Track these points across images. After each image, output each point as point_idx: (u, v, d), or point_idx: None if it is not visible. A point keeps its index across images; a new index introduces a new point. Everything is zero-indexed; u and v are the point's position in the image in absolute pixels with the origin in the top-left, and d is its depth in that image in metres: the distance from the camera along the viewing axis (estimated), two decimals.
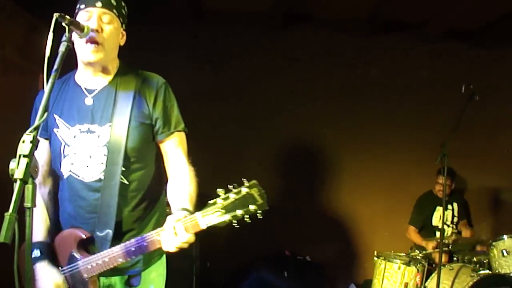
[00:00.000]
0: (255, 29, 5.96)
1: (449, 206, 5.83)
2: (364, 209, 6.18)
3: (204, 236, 5.07)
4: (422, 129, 6.19)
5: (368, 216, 6.19)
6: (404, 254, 5.09)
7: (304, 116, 6.08)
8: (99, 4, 2.29)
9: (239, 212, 1.98)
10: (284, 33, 6.09)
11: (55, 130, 2.42)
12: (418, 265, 4.87)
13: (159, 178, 2.55)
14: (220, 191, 2.01)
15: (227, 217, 1.98)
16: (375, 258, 5.05)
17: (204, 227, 2.03)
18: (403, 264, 4.85)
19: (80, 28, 2.13)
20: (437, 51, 6.42)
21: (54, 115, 2.42)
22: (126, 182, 2.39)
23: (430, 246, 5.35)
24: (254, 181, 2.02)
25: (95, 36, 2.26)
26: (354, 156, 6.19)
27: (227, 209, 1.98)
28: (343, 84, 6.22)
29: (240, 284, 5.39)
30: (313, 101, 6.12)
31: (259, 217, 2.00)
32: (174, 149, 2.50)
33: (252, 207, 1.97)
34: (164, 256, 2.63)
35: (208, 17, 5.84)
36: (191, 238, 2.07)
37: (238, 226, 1.98)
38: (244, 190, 1.99)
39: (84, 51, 2.29)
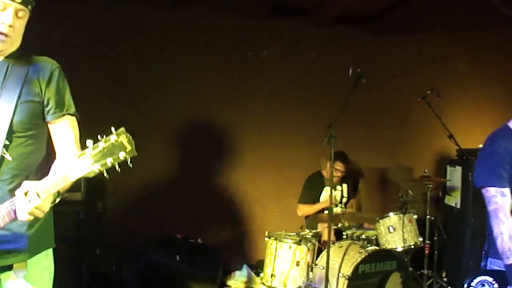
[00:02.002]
0: (146, 8, 5.77)
1: (338, 187, 5.99)
2: (255, 190, 6.20)
3: (93, 221, 4.98)
4: (312, 110, 6.31)
5: (259, 197, 6.21)
6: (295, 234, 5.14)
7: (194, 96, 5.98)
8: None
9: (109, 161, 1.93)
10: (176, 13, 5.94)
11: None
12: (309, 243, 4.93)
13: (50, 165, 2.42)
14: (89, 142, 1.95)
15: (97, 166, 1.93)
16: (266, 239, 5.06)
17: (73, 179, 1.97)
18: (294, 243, 4.90)
19: None
20: (328, 36, 6.56)
21: None
22: (9, 158, 2.27)
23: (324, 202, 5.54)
24: (122, 128, 1.98)
25: (6, 31, 2.23)
26: (245, 137, 6.20)
27: (96, 158, 1.93)
28: (233, 65, 6.17)
29: (131, 269, 5.27)
30: (203, 81, 6.00)
31: (129, 165, 1.96)
32: (63, 132, 2.42)
33: (122, 155, 1.94)
34: (51, 250, 2.49)
35: None
36: (43, 204, 2.03)
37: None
38: (113, 138, 1.94)
39: None
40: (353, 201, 6.20)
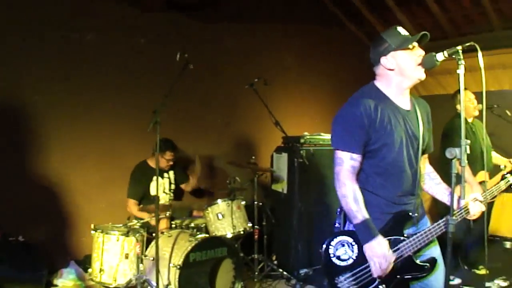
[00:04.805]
0: None
1: (166, 175, 5.90)
2: (79, 181, 5.82)
3: None
4: (139, 97, 6.14)
5: (83, 189, 5.84)
6: (122, 225, 4.97)
7: (12, 81, 5.43)
8: None
9: None
10: None
11: None
12: (137, 234, 4.80)
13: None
14: None
15: None
16: (93, 232, 4.85)
17: None
18: (121, 235, 4.75)
19: None
20: (157, 21, 6.43)
21: None
22: None
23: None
24: None
25: None
26: (66, 125, 5.76)
27: None
28: (58, 48, 5.72)
29: None
30: (23, 65, 5.49)
31: None
32: None
33: None
34: None
35: None
36: None
37: None
38: None
39: None
40: (187, 185, 6.20)
